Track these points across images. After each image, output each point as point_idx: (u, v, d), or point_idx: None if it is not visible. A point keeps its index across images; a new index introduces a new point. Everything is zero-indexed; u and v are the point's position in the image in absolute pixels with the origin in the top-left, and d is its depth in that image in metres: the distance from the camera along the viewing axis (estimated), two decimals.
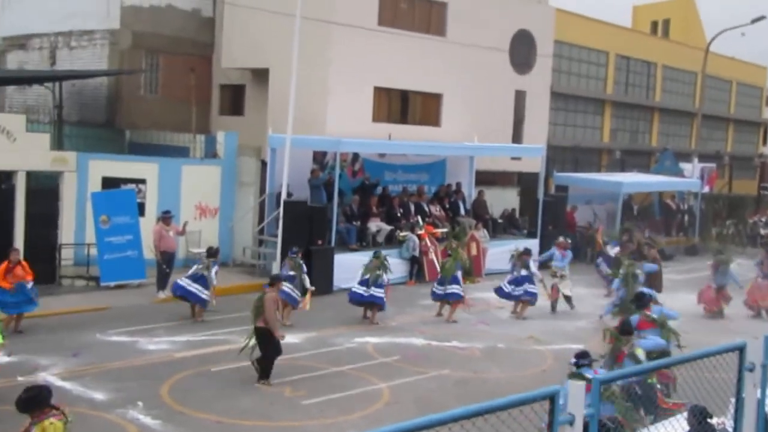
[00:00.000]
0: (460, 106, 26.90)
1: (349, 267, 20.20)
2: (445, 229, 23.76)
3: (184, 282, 16.83)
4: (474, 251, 23.61)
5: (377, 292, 17.50)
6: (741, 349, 5.69)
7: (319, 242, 20.53)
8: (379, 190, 24.31)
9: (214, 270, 17.03)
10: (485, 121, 27.13)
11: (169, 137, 23.77)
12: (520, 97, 29.31)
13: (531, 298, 18.78)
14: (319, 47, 23.40)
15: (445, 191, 25.94)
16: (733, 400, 5.97)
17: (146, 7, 25.84)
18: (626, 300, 16.37)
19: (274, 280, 13.91)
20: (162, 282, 18.73)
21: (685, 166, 34.90)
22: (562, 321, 18.85)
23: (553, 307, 19.52)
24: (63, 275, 19.66)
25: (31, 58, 28.61)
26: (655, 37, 44.87)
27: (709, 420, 7.30)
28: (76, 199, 20.39)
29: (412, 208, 24.06)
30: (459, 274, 18.28)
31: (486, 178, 27.65)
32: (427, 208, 24.43)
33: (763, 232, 33.32)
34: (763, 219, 34.50)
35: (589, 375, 8.99)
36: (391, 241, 22.92)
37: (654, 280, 19.18)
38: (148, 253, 19.29)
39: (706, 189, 34.77)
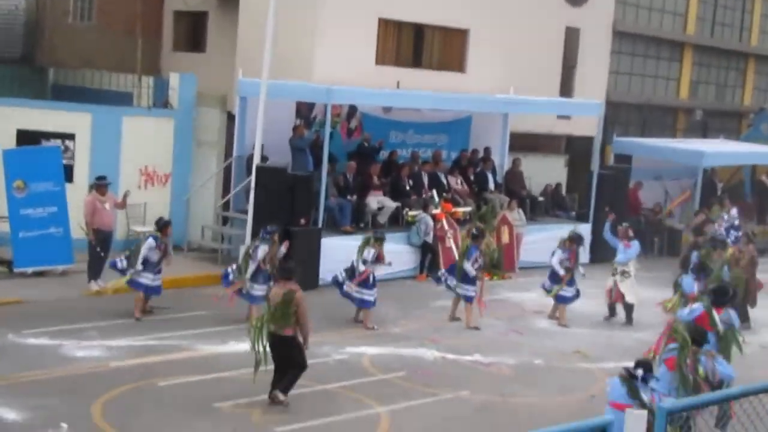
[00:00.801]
0: (492, 46, 26.89)
1: (340, 254, 20.29)
2: (468, 209, 23.83)
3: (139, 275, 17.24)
4: (505, 238, 23.74)
5: (366, 293, 17.82)
6: None
7: (303, 222, 20.68)
8: (383, 155, 24.44)
9: (146, 245, 17.27)
10: (524, 67, 27.16)
11: (107, 79, 23.92)
12: (571, 36, 29.32)
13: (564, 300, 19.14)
14: None
15: (468, 159, 26.01)
16: None
17: None
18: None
19: (290, 274, 13.84)
20: (95, 269, 18.90)
21: None
22: (618, 332, 19.05)
23: (611, 312, 19.75)
24: None
25: None
26: None
27: None
28: None
29: (426, 179, 24.16)
30: (468, 265, 18.44)
31: (524, 143, 27.70)
32: (445, 181, 24.55)
33: None
34: None
35: (645, 396, 9.17)
36: (398, 222, 23.04)
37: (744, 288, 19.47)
38: (78, 231, 19.44)
39: None
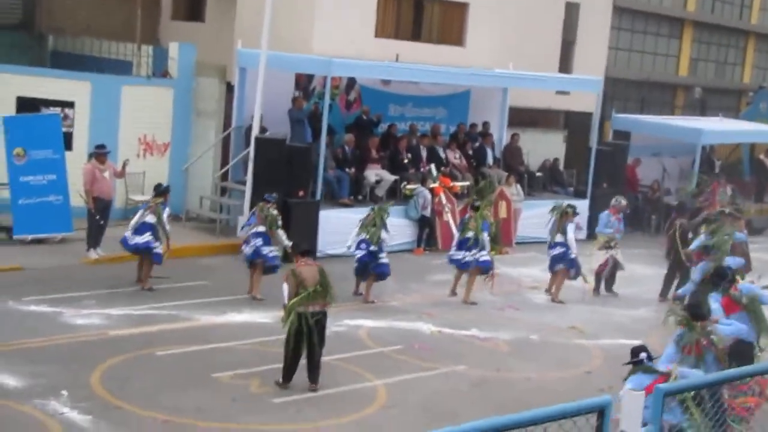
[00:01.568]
0: (492, 20, 26.90)
1: (338, 227, 20.42)
2: (466, 183, 23.93)
3: (130, 237, 17.21)
4: (503, 213, 23.81)
5: (383, 258, 17.89)
6: None
7: (301, 193, 20.75)
8: (382, 128, 24.48)
9: (165, 214, 17.32)
10: (524, 41, 27.18)
11: (106, 47, 23.91)
12: (571, 11, 29.32)
13: (568, 269, 19.11)
14: None
15: (467, 133, 26.06)
16: None
17: None
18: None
19: (304, 252, 13.79)
20: (94, 237, 19.00)
21: None
22: (614, 309, 19.18)
23: (603, 285, 19.87)
24: None
25: None
26: None
27: None
28: None
29: (424, 153, 24.21)
30: (486, 236, 18.52)
31: (522, 118, 27.74)
32: (443, 155, 24.61)
33: None
34: None
35: (662, 368, 9.33)
36: (395, 195, 23.07)
37: (739, 254, 19.45)
38: (77, 199, 19.50)
39: None
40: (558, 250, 19.12)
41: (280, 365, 13.27)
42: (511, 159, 26.43)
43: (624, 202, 20.43)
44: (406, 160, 23.82)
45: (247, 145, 21.31)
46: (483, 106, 26.77)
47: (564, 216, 19.29)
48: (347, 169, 22.64)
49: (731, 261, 17.72)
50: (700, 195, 23.64)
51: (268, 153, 20.64)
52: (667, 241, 20.81)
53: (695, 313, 11.69)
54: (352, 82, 24.59)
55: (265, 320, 16.06)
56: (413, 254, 22.38)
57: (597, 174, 25.92)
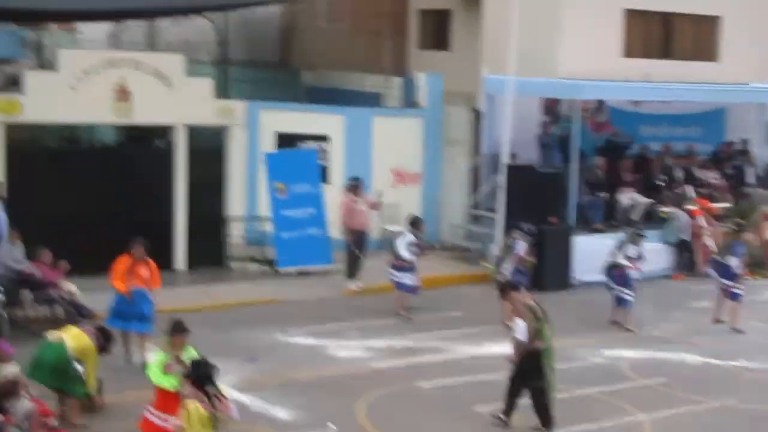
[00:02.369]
0: (746, 33, 25.83)
1: (592, 253, 20.00)
2: (726, 204, 23.07)
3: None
4: None
5: (626, 292, 17.50)
6: None
7: (554, 220, 20.49)
8: (634, 149, 23.90)
9: (404, 241, 17.58)
10: None
11: (357, 80, 24.39)
12: None
13: None
14: None
15: (726, 152, 25.24)
16: None
17: None
18: None
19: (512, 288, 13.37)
20: (353, 269, 19.40)
21: None
22: None
23: None
24: (232, 256, 20.74)
25: None
26: None
27: None
28: (246, 161, 21.36)
29: (680, 174, 23.55)
30: (734, 261, 17.71)
31: None
32: (700, 175, 23.82)
33: None
34: None
35: None
36: (651, 219, 22.45)
37: None
38: (335, 231, 19.96)
39: None
40: None
41: None
42: None
43: None
44: (660, 183, 23.17)
45: (497, 172, 21.22)
46: (741, 122, 25.82)
47: None
48: (600, 194, 22.20)
49: None
50: None
51: (518, 179, 20.50)
52: None
53: None
54: (601, 103, 24.19)
55: None
56: (672, 280, 21.65)
57: None
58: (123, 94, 19.48)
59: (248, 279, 19.95)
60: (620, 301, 17.60)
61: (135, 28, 30.82)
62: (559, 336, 16.67)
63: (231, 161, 21.22)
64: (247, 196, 21.39)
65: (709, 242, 21.62)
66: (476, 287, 19.54)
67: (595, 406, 13.70)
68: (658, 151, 24.43)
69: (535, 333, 12.50)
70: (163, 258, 19.74)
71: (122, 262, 14.52)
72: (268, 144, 21.49)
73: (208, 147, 21.68)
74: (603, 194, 22.24)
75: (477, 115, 23.33)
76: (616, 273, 17.58)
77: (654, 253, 20.68)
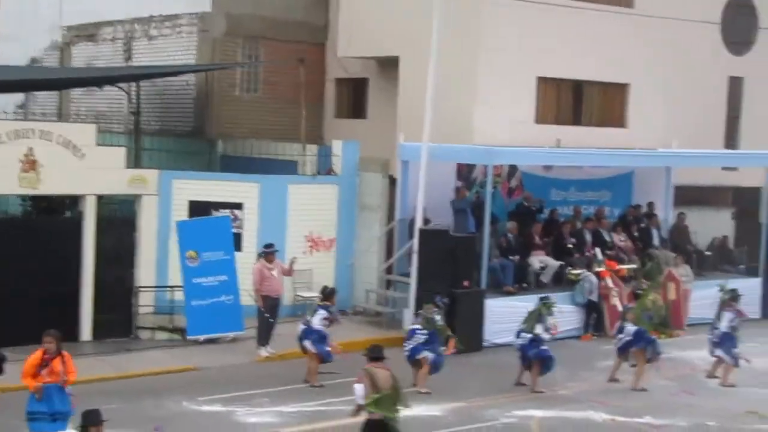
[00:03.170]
0: (653, 100, 26.52)
1: (503, 315, 20.26)
2: (633, 266, 23.44)
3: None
4: (672, 295, 23.18)
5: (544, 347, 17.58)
6: None
7: (466, 284, 20.66)
8: (545, 213, 24.26)
9: (318, 317, 17.45)
10: (687, 119, 26.65)
11: (273, 148, 24.51)
12: (735, 85, 28.63)
13: (730, 359, 18.41)
14: (465, 27, 23.65)
15: (633, 214, 25.63)
16: None
17: None
18: None
19: (379, 353, 12.98)
20: (264, 335, 19.33)
21: None
22: None
23: None
24: (141, 326, 20.60)
25: (102, 52, 30.14)
26: None
27: None
28: (157, 230, 21.28)
29: (589, 237, 23.90)
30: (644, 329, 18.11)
31: (688, 197, 27.06)
32: (608, 237, 24.22)
33: None
34: None
35: None
36: (561, 281, 22.81)
37: None
38: (247, 298, 19.91)
39: None
40: (716, 337, 18.50)
41: None
42: (679, 239, 25.82)
43: None
44: (570, 245, 23.53)
45: (411, 236, 21.40)
46: (647, 186, 26.35)
47: (723, 304, 18.67)
48: (511, 257, 22.45)
49: None
50: None
51: (432, 244, 20.69)
52: None
53: None
54: (513, 169, 24.57)
55: (435, 413, 16.06)
56: (581, 340, 21.91)
57: None
58: (30, 164, 19.35)
59: (156, 348, 19.79)
60: (545, 367, 17.65)
61: (46, 98, 30.75)
62: (470, 397, 17.01)
63: (142, 230, 21.11)
64: (158, 265, 21.20)
65: (617, 303, 21.98)
66: (388, 351, 19.50)
67: None
68: (568, 215, 24.82)
69: (369, 401, 12.25)
70: (69, 329, 19.65)
71: (34, 358, 13.24)
72: (181, 212, 21.42)
73: (120, 216, 21.65)
74: (514, 257, 22.48)
75: (392, 181, 23.55)
76: (534, 343, 17.63)
77: (564, 314, 21.02)
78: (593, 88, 26.44)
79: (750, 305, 21.89)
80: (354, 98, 28.41)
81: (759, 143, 28.13)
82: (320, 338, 17.51)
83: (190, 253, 20.28)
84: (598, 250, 23.36)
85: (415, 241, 20.91)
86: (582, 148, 24.02)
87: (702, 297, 23.00)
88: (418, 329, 17.55)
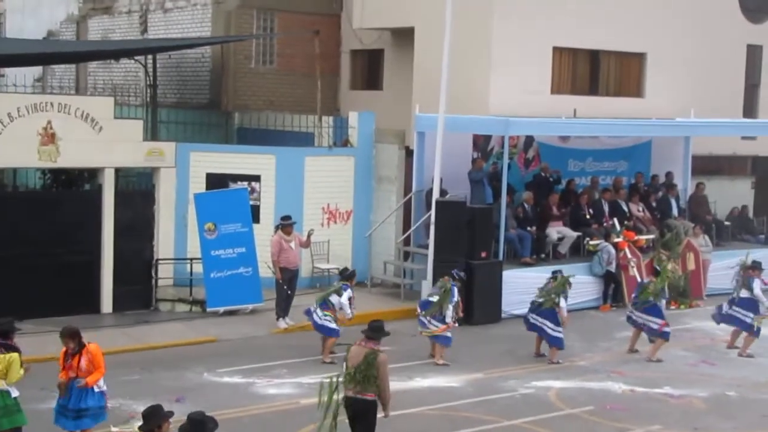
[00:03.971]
0: (670, 69, 26.38)
1: (521, 287, 20.25)
2: (651, 236, 23.42)
3: (316, 316, 17.38)
4: (691, 265, 23.16)
5: (557, 330, 17.61)
6: None
7: (483, 255, 20.67)
8: (562, 184, 24.24)
9: (345, 296, 17.43)
10: (705, 88, 26.50)
11: (288, 120, 24.50)
12: (753, 54, 28.45)
13: (749, 330, 18.37)
14: None
15: (650, 184, 25.56)
16: None
17: None
18: None
19: (379, 334, 12.23)
20: (283, 307, 19.40)
21: None
22: None
23: None
24: (161, 298, 20.75)
25: (118, 25, 30.17)
26: None
27: None
28: (175, 203, 21.37)
29: (607, 207, 23.87)
30: (662, 304, 18.03)
31: (706, 166, 27.00)
32: (626, 208, 24.17)
33: None
34: None
35: None
36: (579, 252, 22.80)
37: None
38: (265, 270, 19.99)
39: None
40: (743, 309, 18.44)
41: (473, 430, 13.04)
42: (697, 209, 25.74)
43: None
44: (588, 216, 23.50)
45: (428, 208, 21.39)
46: (665, 156, 26.25)
47: (747, 272, 18.56)
48: (528, 228, 22.44)
49: None
50: None
51: (449, 215, 20.63)
52: None
53: None
54: (530, 139, 24.50)
55: (453, 384, 16.11)
56: (600, 311, 21.93)
57: None
58: (49, 137, 19.41)
59: (176, 320, 19.90)
60: (552, 340, 17.71)
61: (63, 71, 30.89)
62: (489, 368, 17.08)
63: (161, 202, 21.20)
64: (177, 237, 21.34)
65: (635, 273, 21.95)
66: (407, 323, 19.59)
67: None
68: (586, 185, 24.78)
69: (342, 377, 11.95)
70: (89, 302, 19.89)
71: (61, 353, 12.66)
72: (198, 185, 21.49)
73: (138, 189, 21.75)
74: (532, 228, 22.47)
75: (408, 152, 23.53)
76: (548, 312, 17.64)
77: (583, 285, 21.03)
78: (609, 58, 26.30)
79: None
80: (369, 69, 28.34)
81: None
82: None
83: (208, 225, 20.34)
84: (615, 221, 23.30)
85: (433, 213, 20.88)
86: (599, 118, 23.90)
87: (721, 267, 22.96)
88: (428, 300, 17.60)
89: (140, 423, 9.54)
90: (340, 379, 11.91)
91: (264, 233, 20.80)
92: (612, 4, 25.25)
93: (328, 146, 23.56)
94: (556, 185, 23.95)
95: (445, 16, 20.48)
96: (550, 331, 17.56)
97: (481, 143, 23.89)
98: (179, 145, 21.61)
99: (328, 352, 17.29)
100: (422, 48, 24.61)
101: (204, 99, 27.37)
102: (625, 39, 25.79)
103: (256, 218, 21.41)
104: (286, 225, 19.62)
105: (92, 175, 21.18)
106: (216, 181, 21.67)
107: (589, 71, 26.09)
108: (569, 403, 15.33)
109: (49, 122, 19.38)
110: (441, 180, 21.16)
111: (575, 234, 22.96)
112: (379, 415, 11.96)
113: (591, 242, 22.58)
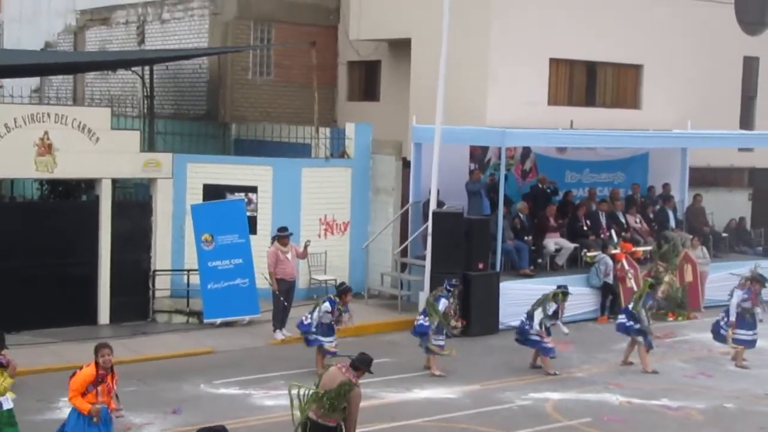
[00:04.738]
0: (667, 80, 26.47)
1: (519, 298, 20.22)
2: (648, 247, 23.43)
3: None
4: (689, 277, 23.16)
5: (546, 341, 17.61)
6: None
7: (481, 266, 20.67)
8: (559, 196, 24.26)
9: (323, 308, 17.02)
10: (702, 99, 26.60)
11: (285, 132, 24.53)
12: (750, 65, 28.55)
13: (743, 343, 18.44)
14: (477, 8, 23.59)
15: (647, 196, 25.58)
16: None
17: None
18: None
19: (364, 366, 11.60)
20: (279, 319, 19.37)
21: None
22: None
23: None
24: (158, 310, 20.72)
25: (116, 36, 30.22)
26: None
27: None
28: (172, 214, 21.36)
29: (604, 219, 23.88)
30: (643, 313, 17.99)
31: (704, 178, 27.05)
32: (623, 219, 24.20)
33: None
34: None
35: None
36: (576, 263, 22.81)
37: None
38: (262, 281, 19.97)
39: None
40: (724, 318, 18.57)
41: None
42: (695, 220, 25.79)
43: None
44: (585, 227, 23.52)
45: (425, 219, 21.40)
46: (662, 167, 26.31)
47: (751, 284, 18.58)
48: (526, 239, 22.45)
49: None
50: None
51: (446, 226, 20.63)
52: None
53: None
54: (527, 151, 24.55)
55: (450, 395, 16.06)
56: (597, 323, 21.91)
57: None
58: (46, 148, 19.41)
59: (173, 331, 19.87)
60: (544, 351, 17.70)
61: (61, 82, 30.92)
62: (486, 379, 17.07)
63: (158, 213, 21.18)
64: (174, 248, 21.32)
65: (633, 285, 21.96)
66: (404, 334, 19.57)
67: None
68: (583, 197, 24.81)
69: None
70: (86, 313, 19.86)
71: (84, 374, 11.36)
72: (195, 196, 21.48)
73: (135, 200, 21.76)
74: (528, 238, 22.47)
75: (406, 163, 23.55)
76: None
77: (580, 297, 21.05)
78: (606, 69, 26.41)
79: None
80: (366, 81, 28.43)
81: None
82: (325, 330, 17.27)
83: (206, 236, 20.32)
84: (613, 232, 23.33)
85: (430, 224, 20.88)
86: (595, 129, 23.94)
87: (718, 279, 23.00)
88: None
89: None
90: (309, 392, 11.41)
91: (261, 244, 20.79)
92: (609, 16, 25.36)
93: (325, 157, 23.57)
94: (554, 196, 23.98)
95: (441, 28, 20.52)
96: (540, 341, 17.57)
97: (478, 154, 23.93)
98: (176, 156, 21.59)
99: (322, 365, 17.24)
100: (419, 59, 24.68)
101: (201, 110, 27.40)
102: (622, 50, 25.89)
103: (253, 229, 21.39)
104: (282, 236, 19.59)
105: (89, 185, 21.15)
106: (213, 192, 21.66)
107: (585, 83, 26.17)
108: (566, 415, 15.29)
109: (46, 133, 19.37)
110: (438, 191, 21.18)
111: (572, 245, 22.97)
112: None
113: (588, 254, 22.59)
